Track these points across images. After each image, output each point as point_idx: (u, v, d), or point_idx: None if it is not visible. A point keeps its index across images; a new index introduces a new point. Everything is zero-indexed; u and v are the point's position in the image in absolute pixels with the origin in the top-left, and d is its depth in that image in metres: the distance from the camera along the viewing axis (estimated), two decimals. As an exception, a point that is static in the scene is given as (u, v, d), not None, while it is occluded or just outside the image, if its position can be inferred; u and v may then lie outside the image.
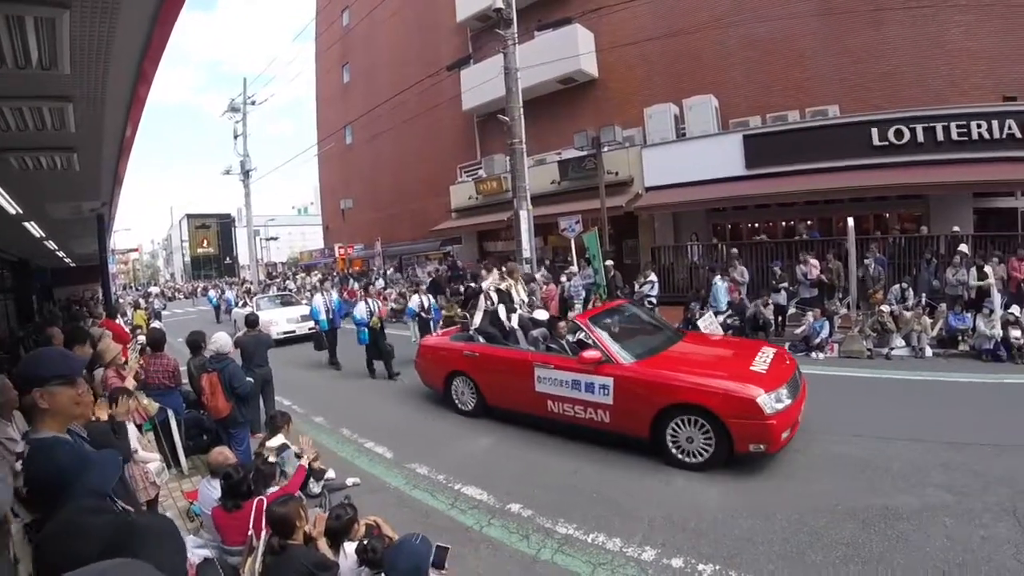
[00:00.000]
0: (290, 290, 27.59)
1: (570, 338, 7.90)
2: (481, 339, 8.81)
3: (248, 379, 7.02)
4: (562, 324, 8.18)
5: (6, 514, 2.25)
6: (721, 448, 5.92)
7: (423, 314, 12.95)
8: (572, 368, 7.10)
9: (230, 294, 26.44)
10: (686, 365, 6.82)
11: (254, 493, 4.34)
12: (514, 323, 9.25)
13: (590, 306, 13.90)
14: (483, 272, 10.96)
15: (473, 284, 9.82)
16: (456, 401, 8.85)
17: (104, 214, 12.45)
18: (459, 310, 14.97)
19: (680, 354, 7.31)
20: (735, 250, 14.48)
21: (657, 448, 6.37)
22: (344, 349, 13.46)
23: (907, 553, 4.34)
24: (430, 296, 13.99)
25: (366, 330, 11.83)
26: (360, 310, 11.91)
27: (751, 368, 6.48)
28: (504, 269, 10.50)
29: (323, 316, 13.56)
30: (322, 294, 14.49)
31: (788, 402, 5.98)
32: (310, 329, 17.28)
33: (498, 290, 9.63)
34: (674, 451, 6.23)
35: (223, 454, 4.91)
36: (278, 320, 17.68)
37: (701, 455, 6.07)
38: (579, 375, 7.00)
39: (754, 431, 5.75)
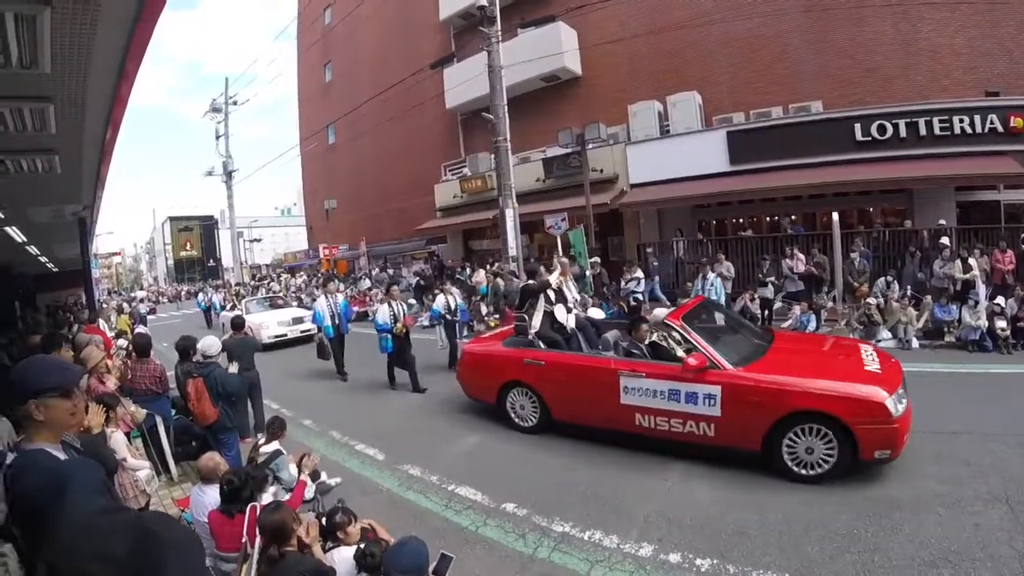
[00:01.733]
0: (274, 292, 27.21)
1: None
2: (542, 345, 7.82)
3: (237, 375, 6.97)
4: (644, 326, 7.17)
5: None
6: (844, 457, 5.37)
7: (448, 316, 12.02)
8: (670, 376, 6.23)
9: (216, 297, 25.55)
10: (799, 368, 6.10)
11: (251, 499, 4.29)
12: (572, 324, 8.33)
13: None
14: (540, 267, 9.32)
15: (531, 281, 8.38)
16: (512, 415, 7.80)
17: (86, 218, 12.34)
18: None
19: (785, 356, 6.61)
20: (721, 255, 14.49)
21: (769, 461, 5.73)
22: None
23: (902, 542, 4.37)
24: (455, 295, 12.93)
25: (389, 337, 10.47)
26: (383, 314, 10.59)
27: (866, 368, 5.96)
28: (557, 262, 9.42)
29: (328, 321, 12.01)
30: (326, 296, 12.56)
31: (906, 402, 5.54)
32: (302, 332, 17.26)
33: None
34: (791, 464, 5.60)
35: (213, 459, 4.85)
36: (268, 323, 17.21)
37: (821, 466, 5.49)
38: (679, 384, 6.13)
39: (881, 436, 5.26)
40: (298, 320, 17.77)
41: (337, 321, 12.10)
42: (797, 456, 5.57)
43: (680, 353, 6.46)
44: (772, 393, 5.66)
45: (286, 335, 17.31)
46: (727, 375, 5.93)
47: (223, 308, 22.74)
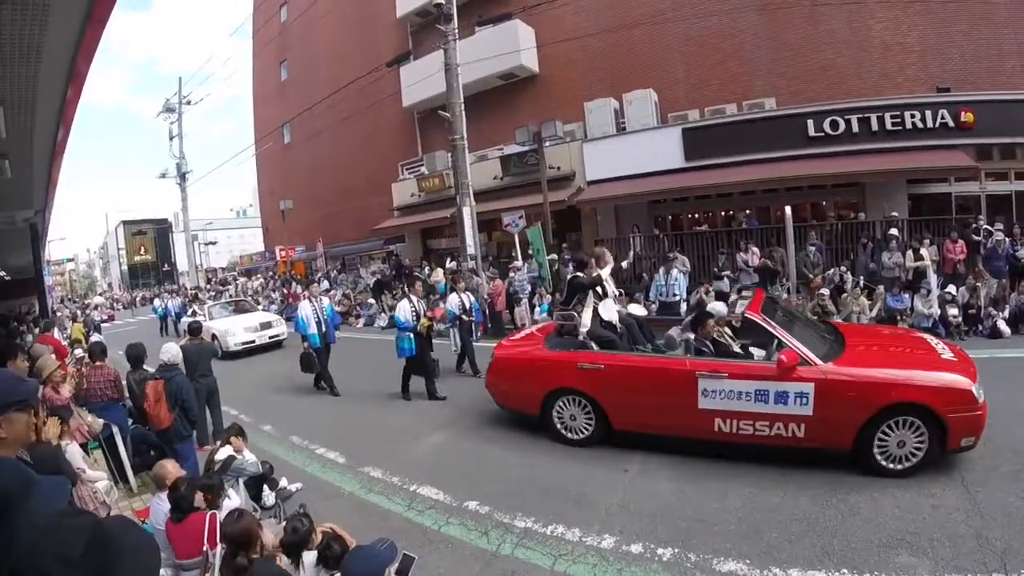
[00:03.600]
0: (231, 296, 26.60)
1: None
2: (595, 346, 6.96)
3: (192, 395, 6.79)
4: (711, 321, 6.53)
5: None
6: (933, 448, 5.21)
7: (464, 316, 10.99)
8: (758, 376, 5.74)
9: (172, 303, 24.58)
10: (885, 361, 5.91)
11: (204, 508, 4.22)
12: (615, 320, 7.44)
13: (535, 300, 13.90)
14: (589, 259, 7.97)
15: (579, 274, 7.39)
16: (560, 427, 6.92)
17: (38, 223, 12.07)
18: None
19: (865, 349, 6.33)
20: (676, 252, 14.47)
21: (858, 459, 5.43)
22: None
23: (861, 524, 4.44)
24: (470, 295, 11.95)
25: (411, 337, 9.25)
26: (403, 310, 9.38)
27: (943, 357, 5.83)
28: (597, 253, 8.06)
29: (312, 329, 10.56)
30: (310, 301, 10.97)
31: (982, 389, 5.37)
32: (271, 338, 16.56)
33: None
34: (881, 460, 5.34)
35: (164, 467, 4.73)
36: (234, 330, 16.26)
37: (910, 459, 5.29)
38: (768, 384, 5.64)
39: (969, 424, 5.14)
40: (266, 325, 16.92)
41: (324, 328, 10.81)
42: (888, 451, 5.34)
43: (736, 348, 6.40)
44: (870, 387, 5.39)
45: (254, 341, 16.28)
46: (819, 371, 5.54)
47: (183, 314, 21.97)
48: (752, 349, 6.51)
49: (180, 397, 6.46)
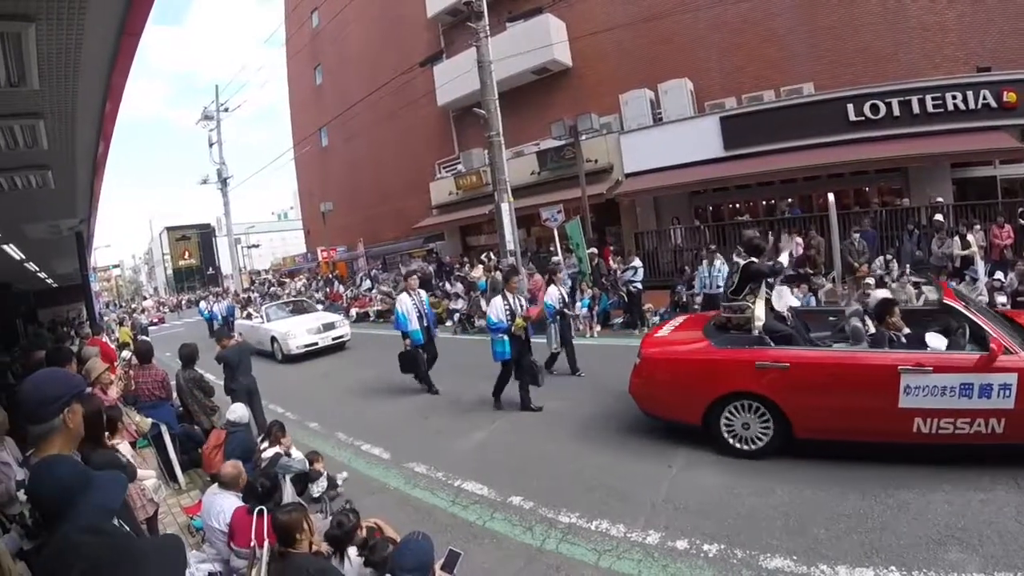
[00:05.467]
0: (278, 297, 26.84)
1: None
2: (771, 341, 6.01)
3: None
4: (897, 310, 5.92)
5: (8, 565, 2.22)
6: None
7: (566, 311, 10.04)
8: (961, 368, 5.12)
9: (219, 307, 24.20)
10: None
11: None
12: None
13: (577, 295, 13.89)
14: (765, 243, 7.05)
15: (755, 260, 6.39)
16: (727, 436, 5.99)
17: (83, 232, 12.36)
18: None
19: None
20: (713, 246, 14.25)
21: None
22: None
23: (909, 520, 4.36)
24: (567, 287, 11.20)
25: (505, 338, 8.23)
26: (496, 309, 8.31)
27: None
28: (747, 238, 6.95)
29: (415, 324, 9.76)
30: (409, 293, 10.11)
31: None
32: (335, 340, 15.59)
33: None
34: None
35: (236, 467, 4.87)
36: (296, 332, 15.14)
37: None
38: (971, 376, 5.05)
39: None
40: (329, 326, 15.83)
41: (426, 323, 9.99)
42: None
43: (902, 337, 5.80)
44: None
45: (317, 344, 15.21)
46: (1022, 360, 4.98)
47: (230, 316, 22.03)
48: (929, 338, 5.76)
49: (236, 454, 6.55)
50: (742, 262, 6.40)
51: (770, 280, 6.50)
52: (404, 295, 10.08)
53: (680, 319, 7.73)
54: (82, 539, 1.36)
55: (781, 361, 5.68)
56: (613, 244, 17.91)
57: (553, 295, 9.84)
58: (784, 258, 6.96)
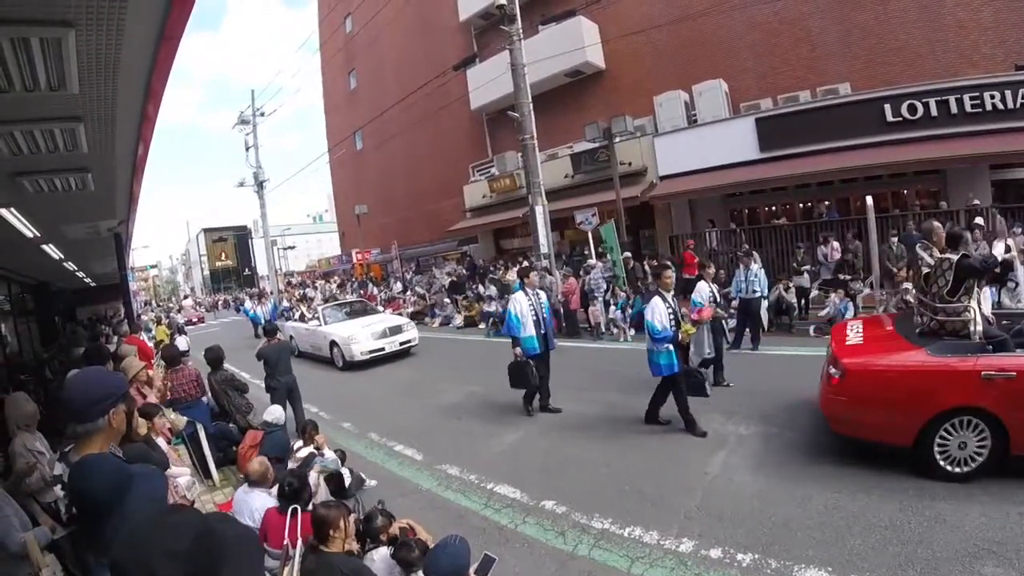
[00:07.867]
0: (311, 299, 26.83)
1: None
2: (990, 348, 5.18)
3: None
4: None
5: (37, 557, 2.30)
6: None
7: (719, 310, 8.57)
8: None
9: (262, 310, 23.64)
10: None
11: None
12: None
13: (610, 298, 13.87)
14: (962, 232, 6.48)
15: (967, 255, 5.63)
16: (940, 459, 5.13)
17: (121, 233, 12.57)
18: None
19: None
20: (746, 246, 13.97)
21: None
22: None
23: (946, 533, 4.31)
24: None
25: (670, 350, 6.78)
26: (659, 313, 6.78)
27: None
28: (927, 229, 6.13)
29: (529, 331, 8.09)
30: (526, 292, 8.35)
31: None
32: (401, 344, 14.24)
33: None
34: None
35: (264, 464, 4.97)
36: (359, 337, 13.82)
37: None
38: None
39: None
40: (396, 330, 14.43)
41: (543, 329, 8.25)
42: None
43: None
44: None
45: (383, 349, 13.88)
46: None
47: (273, 318, 21.04)
48: None
49: (273, 453, 6.65)
50: (954, 257, 5.56)
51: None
52: (520, 294, 8.37)
53: (859, 322, 6.88)
54: (172, 518, 1.42)
55: (1007, 370, 4.94)
56: (694, 248, 16.81)
57: (704, 292, 8.54)
58: (999, 249, 6.34)
